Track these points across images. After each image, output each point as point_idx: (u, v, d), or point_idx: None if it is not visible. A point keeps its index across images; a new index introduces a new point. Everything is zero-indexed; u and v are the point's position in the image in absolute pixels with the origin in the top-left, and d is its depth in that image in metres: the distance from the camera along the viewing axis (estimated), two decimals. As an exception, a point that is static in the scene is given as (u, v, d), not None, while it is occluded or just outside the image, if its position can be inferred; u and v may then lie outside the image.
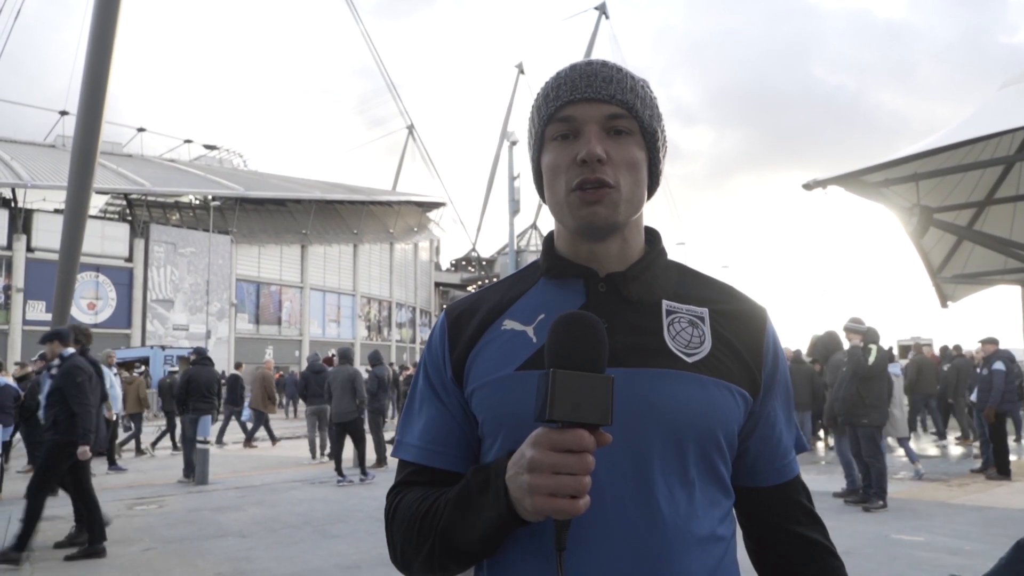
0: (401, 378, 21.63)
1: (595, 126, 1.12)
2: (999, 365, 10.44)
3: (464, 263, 77.05)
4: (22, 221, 36.01)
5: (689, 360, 1.10)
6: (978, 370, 11.63)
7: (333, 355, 15.01)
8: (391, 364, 29.72)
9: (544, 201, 1.22)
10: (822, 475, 10.69)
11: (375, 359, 12.81)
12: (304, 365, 17.72)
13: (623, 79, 1.15)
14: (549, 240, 1.26)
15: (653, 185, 1.21)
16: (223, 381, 15.54)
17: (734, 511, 1.19)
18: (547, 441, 0.92)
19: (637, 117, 1.14)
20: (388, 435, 13.55)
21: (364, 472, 10.93)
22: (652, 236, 1.25)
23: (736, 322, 1.18)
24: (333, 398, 11.04)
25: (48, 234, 34.05)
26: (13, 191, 35.94)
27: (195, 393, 11.39)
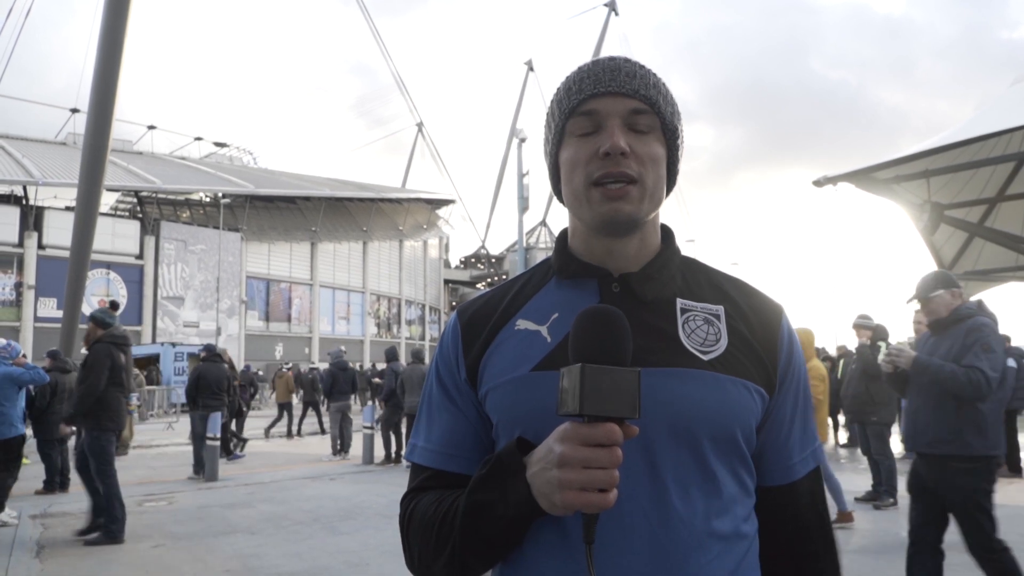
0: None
1: (618, 120, 1.11)
2: (1010, 362, 10.36)
3: (473, 260, 77.11)
4: (33, 218, 36.20)
5: (705, 358, 1.10)
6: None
7: (343, 351, 15.14)
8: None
9: (559, 198, 1.21)
10: (833, 473, 10.63)
11: (391, 355, 13.18)
12: (317, 362, 18.28)
13: (646, 75, 1.15)
14: (563, 238, 1.24)
15: (670, 183, 1.20)
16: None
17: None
18: (577, 436, 0.92)
19: (659, 113, 1.14)
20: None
21: None
22: (666, 234, 1.24)
23: (751, 319, 1.17)
24: (406, 393, 12.05)
25: (59, 231, 34.21)
26: (24, 188, 36.14)
27: (205, 390, 11.44)
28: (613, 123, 1.11)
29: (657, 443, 1.05)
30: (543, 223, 71.66)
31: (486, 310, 1.22)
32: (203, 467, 11.15)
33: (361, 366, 37.38)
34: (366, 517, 7.95)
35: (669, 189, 1.20)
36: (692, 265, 1.24)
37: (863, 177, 7.53)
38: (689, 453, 1.06)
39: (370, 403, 14.47)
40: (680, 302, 1.16)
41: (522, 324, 1.16)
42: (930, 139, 7.65)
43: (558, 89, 1.19)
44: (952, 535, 4.61)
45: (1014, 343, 10.83)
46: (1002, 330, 10.95)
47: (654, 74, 1.17)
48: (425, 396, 1.25)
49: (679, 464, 1.06)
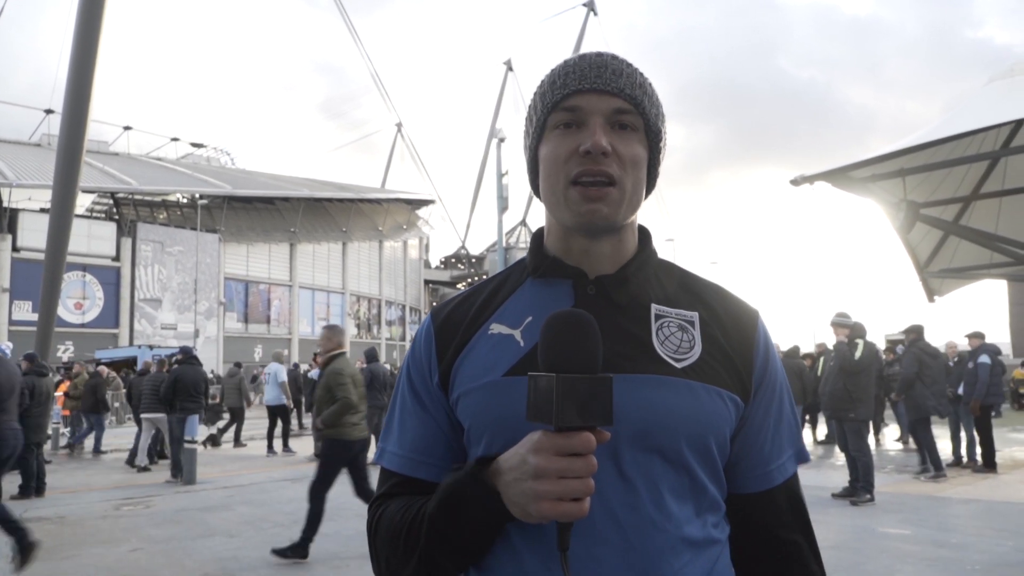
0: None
1: (600, 118, 1.09)
2: (984, 358, 10.51)
3: (453, 260, 77.12)
4: (7, 221, 35.78)
5: (678, 365, 1.08)
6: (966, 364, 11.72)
7: (317, 353, 15.12)
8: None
9: (536, 193, 1.18)
10: (810, 470, 10.73)
11: (371, 356, 13.14)
12: (293, 364, 18.31)
13: (633, 74, 1.13)
14: (538, 237, 1.22)
15: (650, 185, 1.17)
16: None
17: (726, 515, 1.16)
18: (551, 446, 0.90)
19: (643, 114, 1.11)
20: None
21: None
22: (643, 236, 1.21)
23: (726, 325, 1.15)
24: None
25: (34, 234, 33.81)
26: (-2, 190, 35.73)
27: (182, 393, 11.33)
28: (596, 121, 1.08)
29: (629, 450, 1.03)
30: (523, 223, 71.70)
31: (460, 312, 1.19)
32: (181, 470, 11.06)
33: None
34: (346, 518, 7.91)
35: (649, 191, 1.18)
36: (668, 268, 1.21)
37: (839, 176, 7.56)
38: (661, 460, 1.05)
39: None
40: (655, 308, 1.13)
41: (495, 328, 1.14)
42: (905, 138, 7.70)
43: (542, 82, 1.16)
44: (929, 531, 4.68)
45: (988, 340, 10.95)
46: (976, 327, 11.03)
47: (641, 73, 1.14)
48: (396, 400, 1.22)
49: (651, 471, 1.04)
